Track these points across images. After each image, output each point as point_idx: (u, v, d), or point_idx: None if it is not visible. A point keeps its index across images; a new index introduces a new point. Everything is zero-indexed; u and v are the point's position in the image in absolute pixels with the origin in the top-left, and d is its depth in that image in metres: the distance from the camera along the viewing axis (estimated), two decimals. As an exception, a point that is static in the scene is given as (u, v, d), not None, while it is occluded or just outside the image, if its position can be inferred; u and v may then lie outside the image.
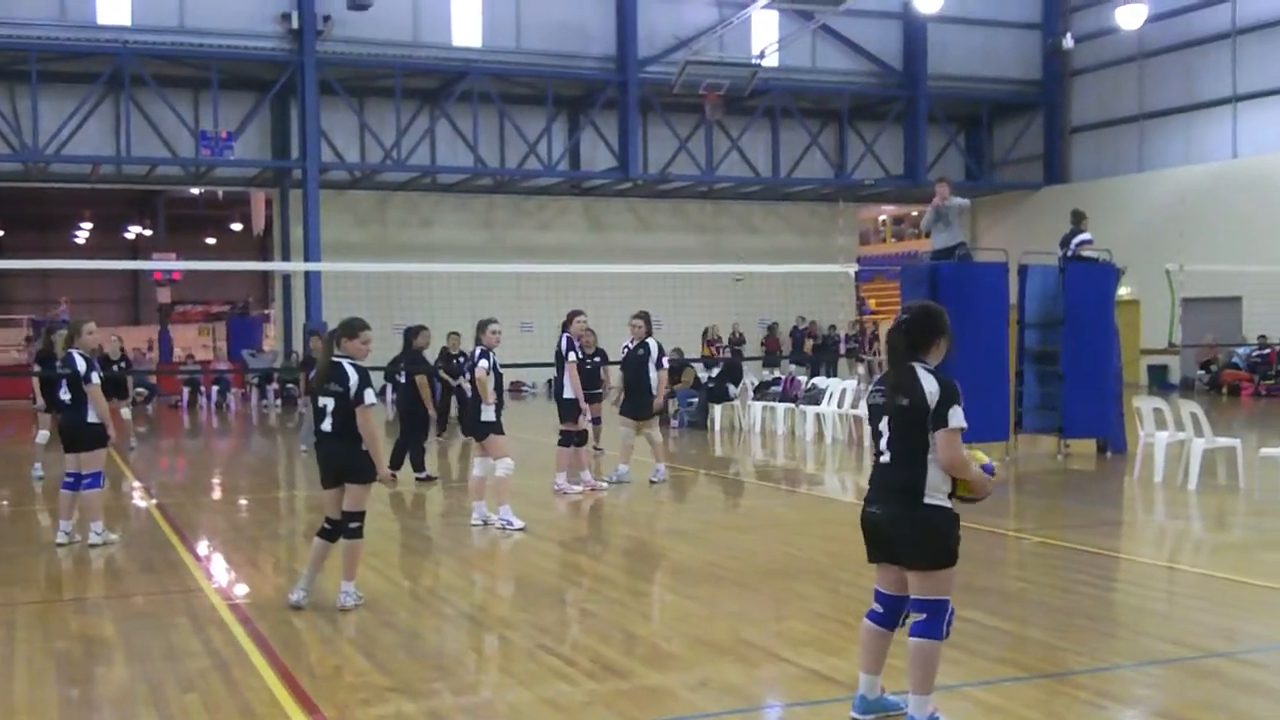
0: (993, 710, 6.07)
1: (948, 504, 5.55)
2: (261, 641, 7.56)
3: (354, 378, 8.23)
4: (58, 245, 53.42)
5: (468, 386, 12.20)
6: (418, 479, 15.09)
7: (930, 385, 5.51)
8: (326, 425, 8.30)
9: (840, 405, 19.93)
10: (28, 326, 43.60)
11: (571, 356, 13.88)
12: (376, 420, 8.43)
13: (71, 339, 10.95)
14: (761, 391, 22.89)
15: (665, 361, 14.55)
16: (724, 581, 9.22)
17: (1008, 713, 5.99)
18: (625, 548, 11.15)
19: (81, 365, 10.66)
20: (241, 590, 9.37)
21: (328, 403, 8.26)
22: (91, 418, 10.69)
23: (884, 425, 5.61)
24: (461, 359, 17.40)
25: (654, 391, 14.43)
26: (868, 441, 6.95)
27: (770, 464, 17.98)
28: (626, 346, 15.18)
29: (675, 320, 27.52)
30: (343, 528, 8.33)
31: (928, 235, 17.62)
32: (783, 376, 23.20)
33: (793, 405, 21.29)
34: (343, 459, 8.31)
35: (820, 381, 21.81)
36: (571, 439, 13.97)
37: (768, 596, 8.65)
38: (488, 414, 11.65)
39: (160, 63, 30.03)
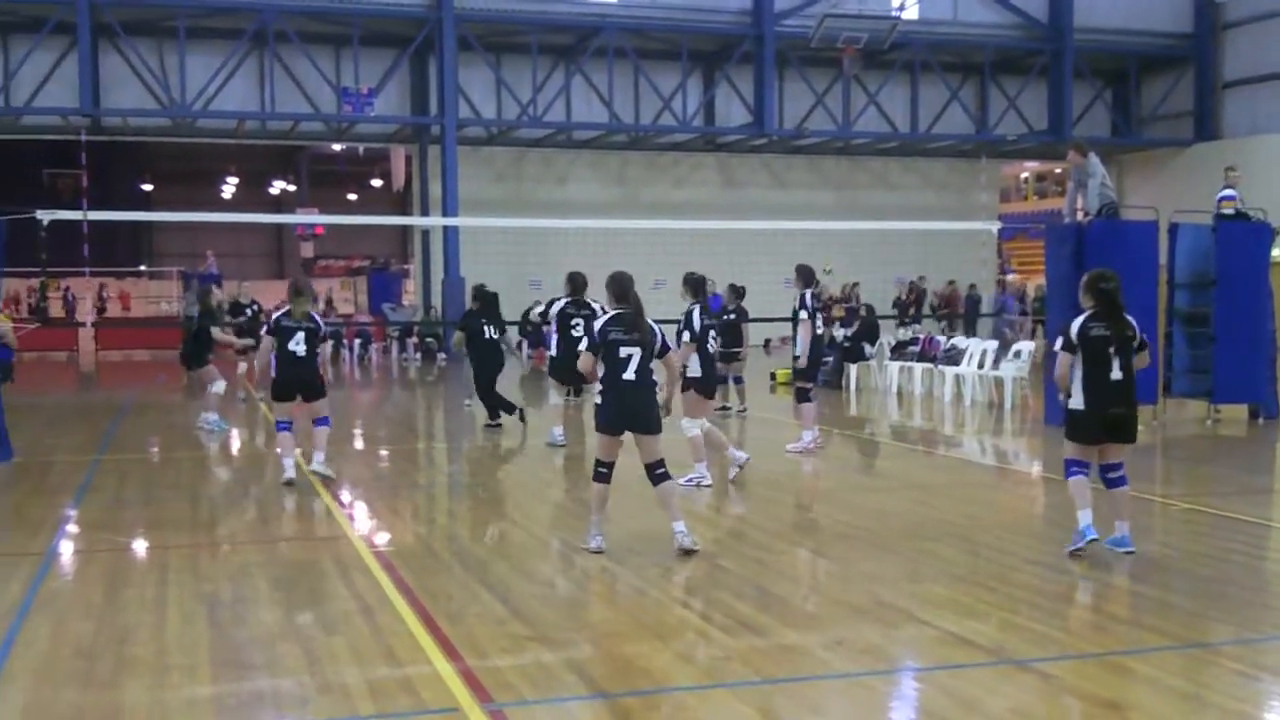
0: (1141, 679, 5.94)
1: None
2: (404, 587, 7.71)
3: (657, 328, 8.69)
4: (205, 199, 54.86)
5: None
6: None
7: (1133, 322, 8.56)
8: (630, 374, 8.53)
9: (980, 366, 19.57)
10: (177, 278, 44.95)
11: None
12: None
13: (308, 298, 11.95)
14: (899, 351, 22.52)
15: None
16: (859, 542, 9.14)
17: (1156, 682, 5.85)
18: (760, 506, 11.09)
19: (323, 326, 11.87)
20: (383, 537, 9.58)
21: (633, 352, 8.53)
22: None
23: (1113, 351, 8.42)
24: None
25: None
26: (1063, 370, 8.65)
27: (907, 425, 17.75)
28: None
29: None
30: (650, 476, 8.61)
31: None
32: (920, 336, 22.79)
33: (930, 365, 20.97)
34: (644, 409, 8.60)
35: (960, 342, 21.33)
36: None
37: (905, 558, 8.54)
38: (692, 370, 11.49)
39: (303, 19, 30.54)
